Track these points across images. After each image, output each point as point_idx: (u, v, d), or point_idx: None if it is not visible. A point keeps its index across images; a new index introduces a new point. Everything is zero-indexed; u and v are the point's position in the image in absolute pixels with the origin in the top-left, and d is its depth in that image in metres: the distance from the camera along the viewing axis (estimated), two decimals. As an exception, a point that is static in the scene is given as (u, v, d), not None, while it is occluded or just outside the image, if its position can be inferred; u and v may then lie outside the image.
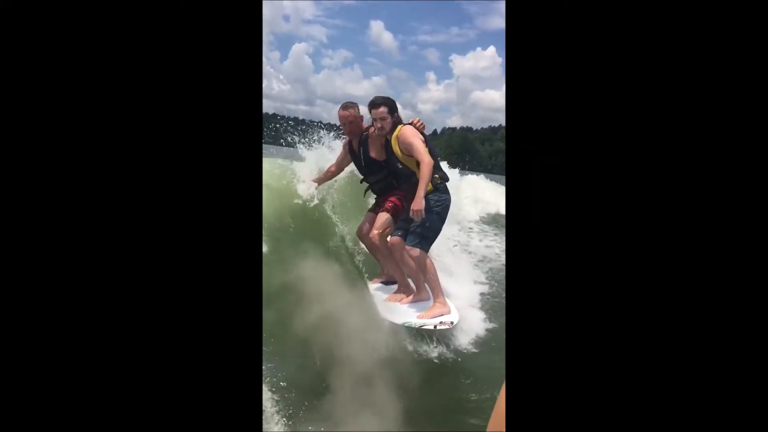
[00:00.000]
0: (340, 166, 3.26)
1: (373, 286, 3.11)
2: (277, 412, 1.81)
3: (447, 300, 2.78)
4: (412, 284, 2.94)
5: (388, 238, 2.89)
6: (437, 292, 2.72)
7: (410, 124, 2.75)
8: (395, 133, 2.70)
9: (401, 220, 2.82)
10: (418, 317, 2.62)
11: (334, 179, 3.38)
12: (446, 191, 2.73)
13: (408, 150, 2.65)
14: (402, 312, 2.74)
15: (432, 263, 2.76)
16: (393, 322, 2.61)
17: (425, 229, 2.64)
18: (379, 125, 2.71)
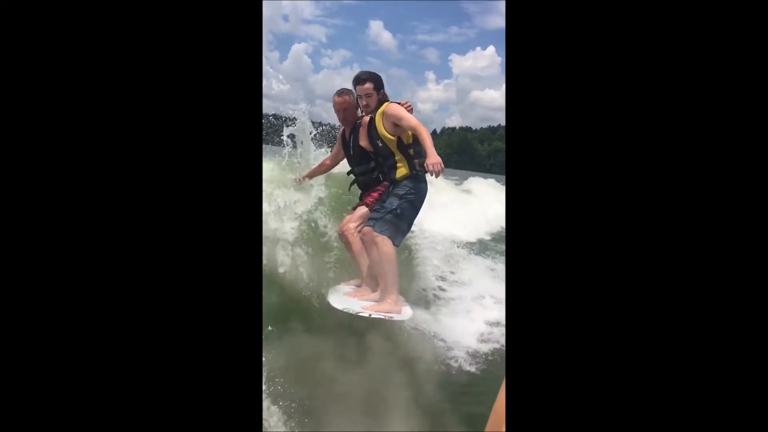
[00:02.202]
0: (335, 160, 3.10)
1: (346, 288, 2.85)
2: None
3: (401, 301, 2.58)
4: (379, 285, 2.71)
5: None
6: (391, 288, 2.48)
7: (397, 103, 2.61)
8: (380, 110, 2.56)
9: (374, 211, 2.67)
10: (363, 308, 2.43)
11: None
12: (424, 180, 2.60)
13: (395, 122, 2.50)
14: (349, 301, 2.53)
15: (395, 256, 2.53)
16: (334, 306, 2.45)
17: (396, 217, 2.48)
18: (364, 102, 2.58)
